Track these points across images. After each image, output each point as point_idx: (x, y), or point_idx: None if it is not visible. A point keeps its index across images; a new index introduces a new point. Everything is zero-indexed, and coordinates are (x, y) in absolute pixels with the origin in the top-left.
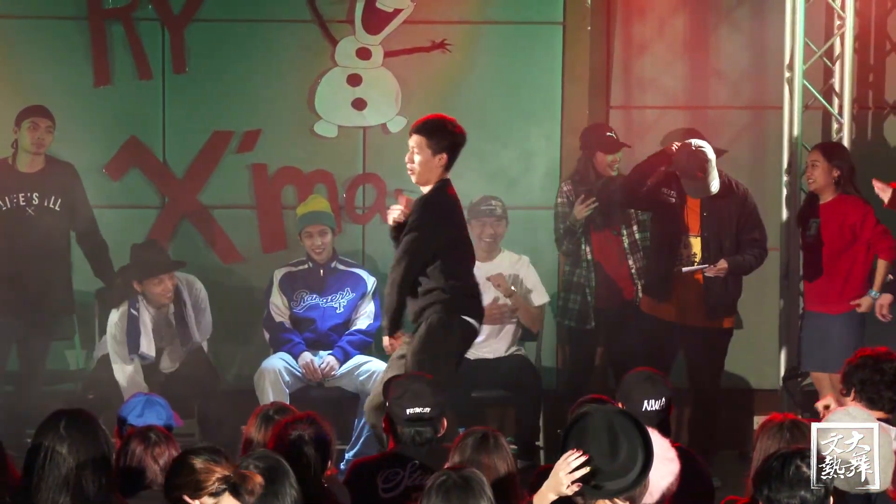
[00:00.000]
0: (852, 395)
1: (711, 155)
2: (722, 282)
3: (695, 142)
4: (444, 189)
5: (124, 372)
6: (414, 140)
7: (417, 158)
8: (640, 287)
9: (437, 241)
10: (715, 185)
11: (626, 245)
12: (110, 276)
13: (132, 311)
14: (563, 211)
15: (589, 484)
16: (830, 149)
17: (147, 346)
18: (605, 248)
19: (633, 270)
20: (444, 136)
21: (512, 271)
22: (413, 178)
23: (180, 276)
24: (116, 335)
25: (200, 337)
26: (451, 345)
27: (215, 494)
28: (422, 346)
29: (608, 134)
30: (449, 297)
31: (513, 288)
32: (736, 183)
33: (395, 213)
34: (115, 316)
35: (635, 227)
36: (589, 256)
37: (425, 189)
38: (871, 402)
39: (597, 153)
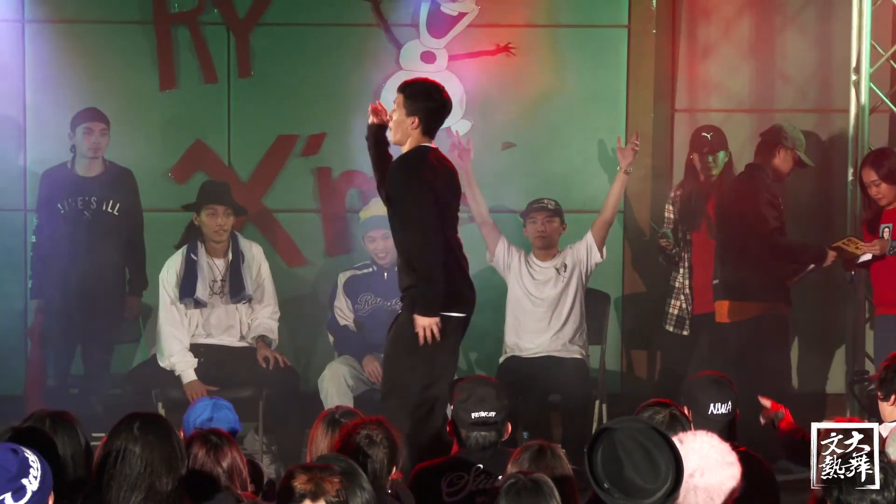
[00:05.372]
0: (892, 399)
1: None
2: None
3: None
4: (423, 155)
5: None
6: (396, 96)
7: (395, 116)
8: None
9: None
10: None
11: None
12: (141, 287)
13: (191, 255)
14: (666, 216)
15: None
16: (880, 164)
17: (202, 291)
18: (704, 254)
19: None
20: (418, 99)
21: (571, 256)
22: (390, 136)
23: (245, 242)
24: (171, 279)
25: (253, 293)
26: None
27: None
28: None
29: (703, 134)
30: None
31: None
32: None
33: (373, 117)
34: (172, 260)
35: None
36: (687, 263)
37: (403, 150)
38: None
39: (692, 152)
